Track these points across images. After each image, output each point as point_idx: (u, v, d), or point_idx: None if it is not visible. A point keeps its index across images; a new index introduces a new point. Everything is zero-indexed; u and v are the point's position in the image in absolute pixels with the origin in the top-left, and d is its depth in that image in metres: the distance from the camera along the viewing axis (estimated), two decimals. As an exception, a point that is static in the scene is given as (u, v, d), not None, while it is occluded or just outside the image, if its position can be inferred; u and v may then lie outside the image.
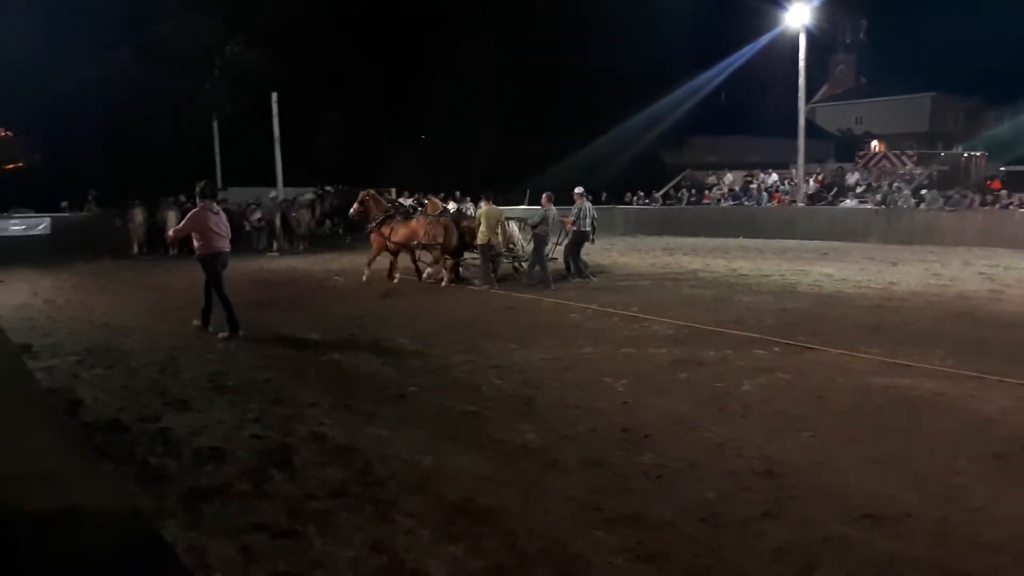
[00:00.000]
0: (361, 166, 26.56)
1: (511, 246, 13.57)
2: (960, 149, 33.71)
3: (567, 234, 14.00)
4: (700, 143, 40.79)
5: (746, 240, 22.69)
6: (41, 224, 20.57)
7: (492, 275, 13.08)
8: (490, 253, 13.04)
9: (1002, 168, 29.26)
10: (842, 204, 25.13)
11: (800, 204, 25.67)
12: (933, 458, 4.81)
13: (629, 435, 5.29)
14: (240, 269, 15.68)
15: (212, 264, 8.90)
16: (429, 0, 29.51)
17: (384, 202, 14.60)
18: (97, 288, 13.87)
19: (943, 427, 5.42)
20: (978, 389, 6.30)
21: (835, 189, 26.81)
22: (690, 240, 23.16)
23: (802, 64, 25.46)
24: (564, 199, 14.39)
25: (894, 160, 28.12)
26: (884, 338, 8.36)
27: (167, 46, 23.39)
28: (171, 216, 19.36)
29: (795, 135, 26.24)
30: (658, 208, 28.28)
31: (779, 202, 26.65)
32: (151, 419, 5.74)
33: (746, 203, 27.06)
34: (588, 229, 13.66)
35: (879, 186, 25.83)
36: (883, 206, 23.25)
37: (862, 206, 24.22)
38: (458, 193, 21.97)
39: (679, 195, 29.33)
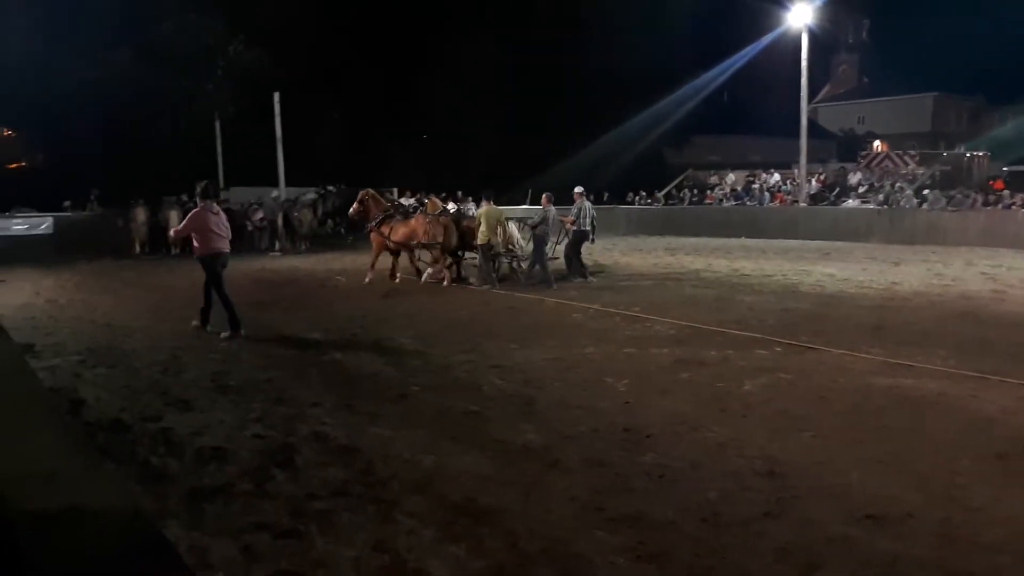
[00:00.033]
0: (363, 166, 26.56)
1: (510, 246, 13.59)
2: (962, 149, 33.71)
3: (567, 234, 14.02)
4: (702, 143, 40.76)
5: (748, 240, 22.67)
6: (43, 224, 20.58)
7: (493, 275, 13.09)
8: (490, 253, 13.05)
9: (1004, 168, 29.23)
10: (844, 204, 25.12)
11: (802, 204, 25.66)
12: (935, 458, 4.81)
13: (631, 435, 5.29)
14: (242, 269, 15.70)
15: (212, 264, 8.91)
16: (430, 0, 29.51)
17: (384, 201, 14.60)
18: (99, 288, 13.89)
19: (945, 427, 5.41)
20: (980, 389, 6.29)
21: (837, 189, 26.80)
22: (692, 240, 23.15)
23: (804, 64, 25.45)
24: (565, 199, 14.40)
25: (896, 160, 28.12)
26: (886, 338, 8.35)
27: (169, 46, 23.40)
28: (173, 216, 19.38)
29: (797, 135, 26.23)
30: (660, 208, 28.27)
31: (781, 202, 26.64)
32: (153, 419, 5.75)
33: (748, 203, 27.06)
34: (588, 228, 13.68)
35: (881, 186, 25.83)
36: (885, 206, 23.24)
37: (864, 206, 24.20)
38: (459, 193, 21.98)
39: (681, 195, 29.34)
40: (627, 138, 32.37)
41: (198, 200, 9.37)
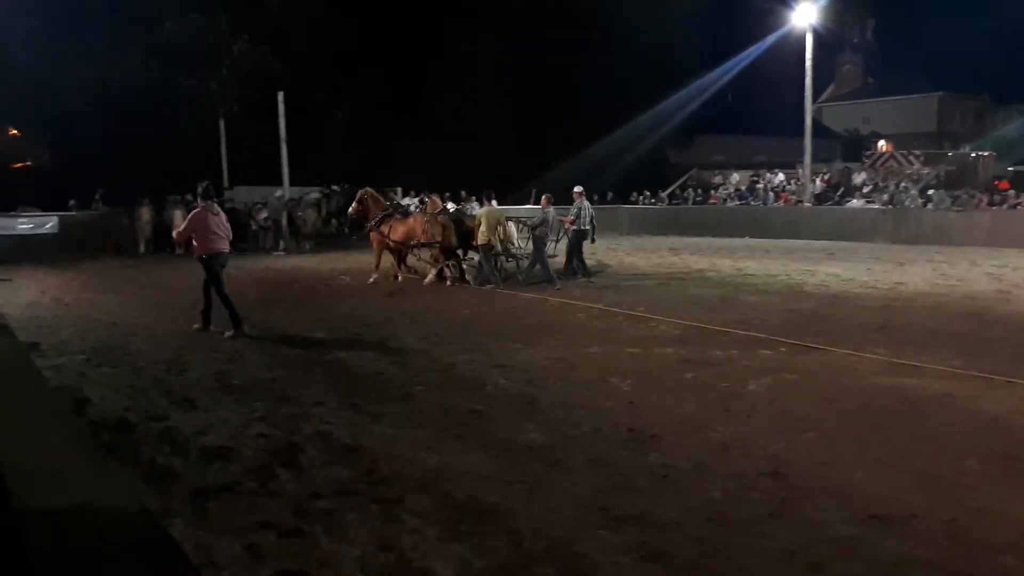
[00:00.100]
0: (367, 165, 26.52)
1: (509, 245, 13.62)
2: (968, 149, 33.57)
3: (566, 233, 14.08)
4: (706, 143, 40.71)
5: (752, 240, 22.64)
6: (49, 223, 20.63)
7: (496, 274, 13.11)
8: (491, 253, 13.09)
9: (1010, 168, 29.10)
10: (849, 204, 25.06)
11: (806, 204, 25.61)
12: (940, 459, 4.80)
13: (635, 435, 5.29)
14: (246, 268, 15.75)
15: (212, 264, 8.96)
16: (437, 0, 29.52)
17: (383, 201, 14.59)
18: (104, 287, 13.93)
19: (950, 428, 5.40)
20: (986, 390, 6.28)
21: (842, 189, 26.72)
22: (696, 240, 23.12)
23: (809, 63, 25.41)
24: (569, 198, 14.42)
25: (901, 160, 28.00)
26: (891, 338, 8.33)
27: (172, 45, 23.42)
28: (177, 215, 19.42)
29: (801, 135, 26.19)
30: (664, 208, 28.25)
31: (785, 202, 26.58)
32: (158, 418, 5.77)
33: (752, 203, 27.01)
34: (587, 228, 13.75)
35: (886, 186, 25.74)
36: (890, 206, 23.18)
37: (869, 206, 24.14)
38: (463, 193, 21.97)
39: (685, 195, 29.31)
40: (631, 138, 32.35)
41: (199, 200, 9.38)
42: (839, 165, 31.96)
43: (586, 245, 14.06)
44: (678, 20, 32.27)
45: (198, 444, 5.17)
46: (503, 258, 13.65)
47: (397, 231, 13.63)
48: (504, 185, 15.42)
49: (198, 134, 24.75)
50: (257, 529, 3.89)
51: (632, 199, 28.72)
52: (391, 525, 3.94)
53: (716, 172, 31.96)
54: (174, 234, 9.94)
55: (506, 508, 4.12)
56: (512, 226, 13.69)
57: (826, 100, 58.90)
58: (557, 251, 14.18)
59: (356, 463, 4.82)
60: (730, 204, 27.53)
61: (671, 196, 29.57)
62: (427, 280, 13.51)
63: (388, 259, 14.16)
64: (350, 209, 14.86)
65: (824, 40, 30.10)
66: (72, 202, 21.87)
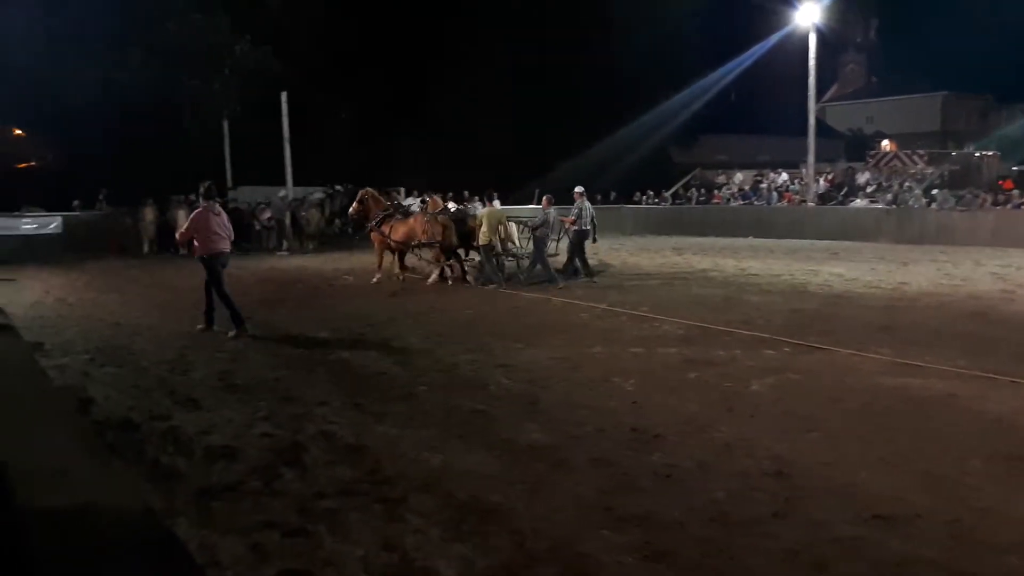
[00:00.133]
0: (371, 165, 26.55)
1: (509, 244, 13.63)
2: (972, 148, 33.46)
3: (567, 232, 14.12)
4: (710, 142, 40.66)
5: (756, 240, 22.61)
6: (53, 223, 20.68)
7: (499, 274, 13.14)
8: (492, 253, 13.11)
9: (1014, 168, 29.01)
10: (852, 204, 25.01)
11: (810, 204, 25.57)
12: (944, 459, 4.79)
13: (638, 435, 5.29)
14: (250, 268, 15.78)
15: (213, 264, 8.99)
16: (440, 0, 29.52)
17: (383, 201, 14.60)
18: (108, 287, 13.96)
19: (954, 428, 5.39)
20: (990, 390, 6.26)
21: (845, 189, 26.68)
22: (699, 240, 23.10)
23: (812, 63, 25.36)
24: (571, 199, 14.43)
25: (905, 160, 27.95)
26: (895, 338, 8.32)
27: (176, 45, 23.45)
28: (181, 215, 19.42)
29: (805, 134, 26.15)
30: (667, 207, 28.23)
31: (789, 202, 26.55)
32: (161, 417, 5.78)
33: (756, 203, 26.98)
34: (588, 228, 13.79)
35: (890, 186, 25.70)
36: (894, 206, 23.13)
37: (873, 206, 24.10)
38: (467, 193, 21.96)
39: (688, 194, 29.28)
40: (634, 137, 32.32)
41: (200, 200, 9.40)
42: (843, 165, 31.91)
43: (588, 244, 14.08)
44: (681, 19, 32.24)
45: (202, 444, 5.18)
46: (504, 257, 13.67)
47: (398, 231, 13.65)
48: (506, 185, 15.40)
49: (201, 134, 24.78)
50: (261, 529, 3.90)
51: (635, 199, 28.71)
52: (394, 525, 3.94)
53: (720, 172, 31.94)
54: (177, 235, 9.95)
55: (509, 508, 4.12)
56: (513, 225, 13.71)
57: (830, 100, 58.78)
58: (558, 251, 14.19)
59: (360, 463, 4.82)
60: (733, 204, 27.50)
61: (674, 196, 29.53)
62: (430, 280, 13.52)
63: (390, 259, 14.18)
64: (350, 209, 14.89)
65: (827, 39, 30.00)
66: (76, 202, 21.92)
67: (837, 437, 5.23)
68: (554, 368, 7.24)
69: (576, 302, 11.12)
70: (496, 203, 13.63)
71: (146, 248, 20.86)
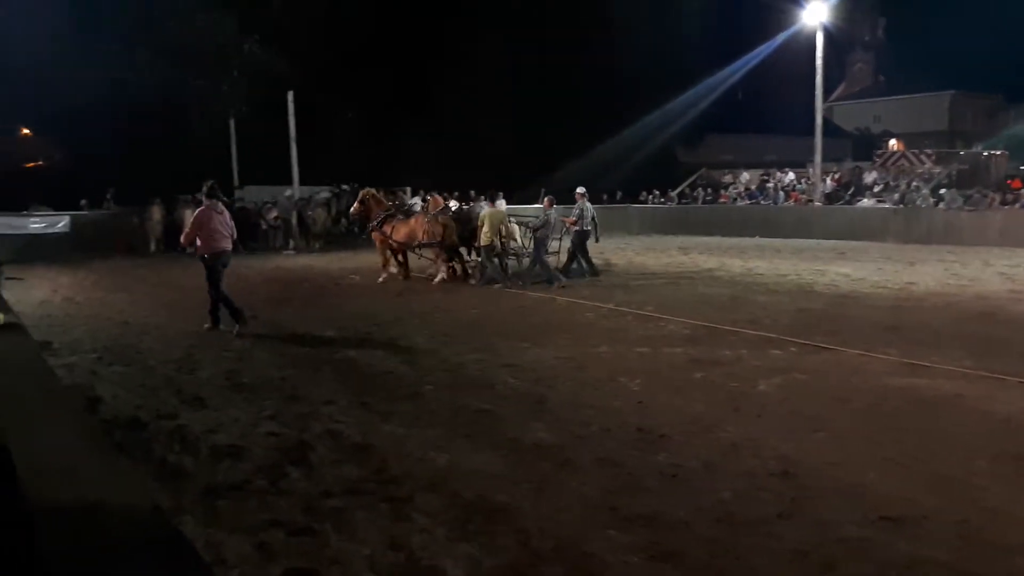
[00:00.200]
0: (377, 164, 26.59)
1: (511, 242, 13.64)
2: (980, 148, 33.35)
3: (567, 233, 14.16)
4: (716, 141, 40.57)
5: (762, 239, 22.56)
6: (60, 222, 20.77)
7: (503, 274, 13.16)
8: (494, 253, 13.13)
9: (1022, 167, 28.91)
10: (860, 203, 24.92)
11: (817, 203, 25.49)
12: (951, 459, 4.77)
13: (644, 435, 5.28)
14: (256, 268, 15.82)
15: (213, 264, 9.04)
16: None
17: (385, 201, 14.63)
18: (115, 286, 14.02)
19: (962, 428, 5.36)
20: (997, 390, 6.24)
21: (852, 188, 26.59)
22: (706, 239, 23.07)
23: (819, 62, 25.30)
24: (575, 199, 14.48)
25: (912, 159, 27.85)
26: (902, 338, 8.29)
27: (182, 45, 23.53)
28: (188, 214, 19.45)
29: (812, 134, 26.07)
30: (674, 207, 28.20)
31: (796, 201, 26.47)
32: (168, 416, 5.80)
33: (762, 202, 26.91)
34: (589, 228, 13.86)
35: (897, 185, 25.60)
36: (901, 205, 23.04)
37: (880, 205, 24.01)
38: (472, 192, 21.97)
39: (695, 194, 29.23)
40: (640, 137, 32.30)
41: (204, 200, 9.44)
42: (850, 164, 31.81)
43: (591, 244, 14.13)
44: (687, 18, 32.19)
45: (209, 442, 5.20)
46: (506, 257, 13.69)
47: (399, 231, 13.69)
48: (509, 185, 15.41)
49: (208, 134, 24.86)
50: (267, 527, 3.91)
51: (641, 198, 28.67)
52: (400, 524, 3.95)
53: (726, 171, 31.86)
54: (182, 238, 9.97)
55: (515, 507, 4.12)
56: (514, 224, 13.74)
57: (837, 99, 58.56)
58: (559, 250, 14.23)
59: (366, 462, 4.83)
60: (740, 203, 27.44)
61: (680, 195, 29.50)
62: (436, 280, 13.53)
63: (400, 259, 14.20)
64: (352, 209, 14.95)
65: (835, 38, 29.95)
66: (83, 202, 22.01)
67: (844, 437, 5.21)
68: (560, 368, 7.23)
69: (581, 302, 11.11)
70: (500, 203, 13.63)
71: (153, 247, 20.92)
